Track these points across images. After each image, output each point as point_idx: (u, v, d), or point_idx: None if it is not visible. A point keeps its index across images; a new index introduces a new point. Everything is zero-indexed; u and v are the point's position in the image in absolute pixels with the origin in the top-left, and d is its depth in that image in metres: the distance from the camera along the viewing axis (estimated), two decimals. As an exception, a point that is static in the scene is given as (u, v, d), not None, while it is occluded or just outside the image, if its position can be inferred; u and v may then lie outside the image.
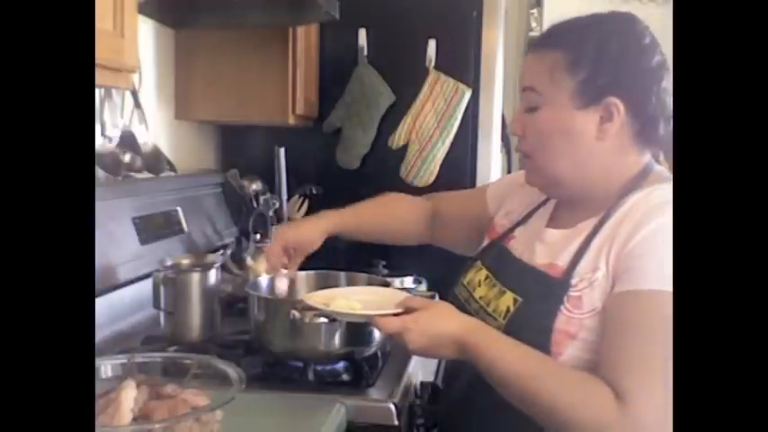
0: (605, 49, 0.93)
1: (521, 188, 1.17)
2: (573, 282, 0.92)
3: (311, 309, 1.06)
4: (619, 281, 0.88)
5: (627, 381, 0.82)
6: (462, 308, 1.02)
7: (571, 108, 0.94)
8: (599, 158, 0.96)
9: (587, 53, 0.93)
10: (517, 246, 1.07)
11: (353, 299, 1.04)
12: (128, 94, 1.51)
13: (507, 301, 0.97)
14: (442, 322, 0.93)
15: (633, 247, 0.87)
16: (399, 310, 0.95)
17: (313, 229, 1.22)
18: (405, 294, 1.04)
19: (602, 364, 0.87)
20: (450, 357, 0.93)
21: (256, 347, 1.21)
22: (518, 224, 1.12)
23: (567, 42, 0.95)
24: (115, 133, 1.47)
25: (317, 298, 1.06)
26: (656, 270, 0.84)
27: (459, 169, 2.00)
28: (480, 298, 1.04)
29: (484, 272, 1.08)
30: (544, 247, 1.01)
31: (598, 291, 0.89)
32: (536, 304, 0.94)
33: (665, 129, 0.95)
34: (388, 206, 1.35)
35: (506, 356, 0.89)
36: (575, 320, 0.90)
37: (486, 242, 1.16)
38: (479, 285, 1.06)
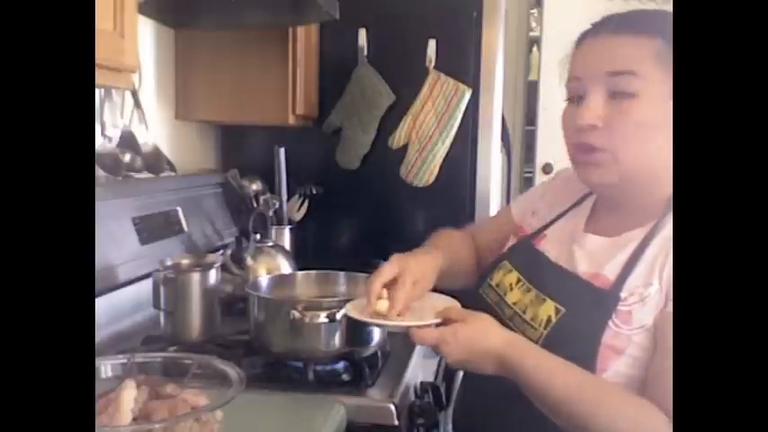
0: None
1: (547, 193, 1.15)
2: (622, 295, 0.88)
3: (312, 309, 1.04)
4: None
5: None
6: (493, 312, 0.99)
7: (669, 99, 0.88)
8: (670, 155, 0.93)
9: None
10: (549, 247, 1.04)
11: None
12: (128, 94, 1.51)
13: (548, 309, 0.94)
14: (482, 336, 0.89)
15: None
16: (438, 321, 0.92)
17: (433, 266, 1.06)
18: (445, 300, 1.00)
19: (654, 386, 0.83)
20: (489, 373, 0.89)
21: (256, 347, 1.21)
22: (549, 224, 1.08)
23: (667, 31, 0.88)
24: (115, 133, 1.47)
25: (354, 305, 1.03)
26: None
27: (459, 169, 2.00)
28: (514, 303, 1.00)
29: (515, 274, 1.04)
30: (585, 254, 0.97)
31: (649, 306, 0.86)
32: (582, 316, 0.90)
33: None
34: (454, 249, 1.20)
35: (556, 378, 0.85)
36: (623, 336, 0.86)
37: (512, 241, 1.12)
38: (511, 289, 1.03)
